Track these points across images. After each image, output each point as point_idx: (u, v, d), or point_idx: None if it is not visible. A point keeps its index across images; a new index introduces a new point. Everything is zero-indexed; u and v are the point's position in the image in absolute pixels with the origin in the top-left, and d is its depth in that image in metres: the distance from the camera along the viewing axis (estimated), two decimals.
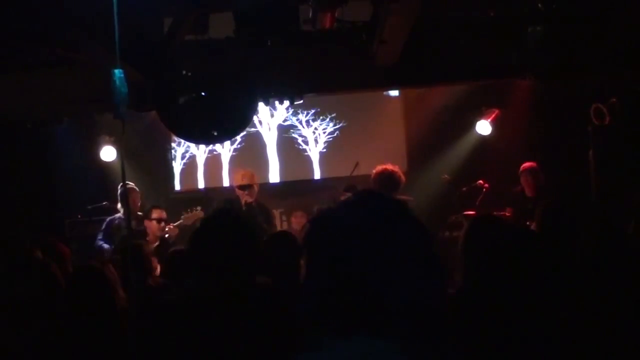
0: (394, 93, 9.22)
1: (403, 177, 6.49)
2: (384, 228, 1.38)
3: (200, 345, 2.32)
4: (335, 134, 9.36)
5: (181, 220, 7.39)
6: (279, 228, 8.46)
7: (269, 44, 5.77)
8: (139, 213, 7.32)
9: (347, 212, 1.44)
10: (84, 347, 3.06)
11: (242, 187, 7.06)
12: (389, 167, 6.45)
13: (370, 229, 1.38)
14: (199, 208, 7.56)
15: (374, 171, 6.47)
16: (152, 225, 6.89)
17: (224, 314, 2.37)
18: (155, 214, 7.00)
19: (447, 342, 1.39)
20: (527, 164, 7.27)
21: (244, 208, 7.04)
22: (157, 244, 6.81)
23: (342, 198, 6.51)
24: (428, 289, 1.37)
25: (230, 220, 2.68)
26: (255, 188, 7.19)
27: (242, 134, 7.79)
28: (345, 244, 1.37)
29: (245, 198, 7.06)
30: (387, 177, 6.33)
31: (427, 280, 1.37)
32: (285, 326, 2.30)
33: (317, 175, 9.35)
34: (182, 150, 9.37)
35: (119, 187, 7.16)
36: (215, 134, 6.38)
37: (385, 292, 1.34)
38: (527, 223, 6.71)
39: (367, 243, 1.36)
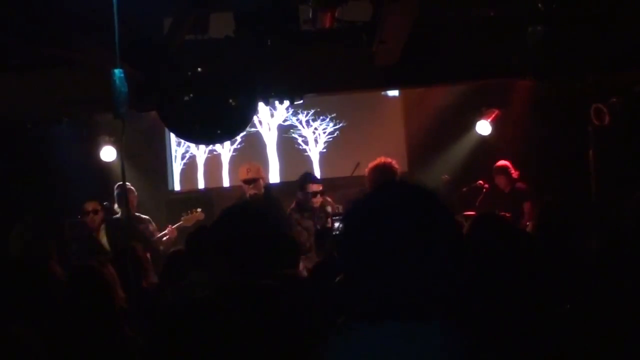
0: (392, 93, 9.20)
1: (398, 168, 6.46)
2: (411, 214, 1.42)
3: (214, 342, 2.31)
4: (335, 134, 9.36)
5: (181, 222, 7.37)
6: None
7: (269, 44, 5.77)
8: (136, 213, 7.31)
9: (376, 200, 1.47)
10: (81, 347, 3.05)
11: (247, 182, 6.85)
12: (381, 160, 6.42)
13: (398, 215, 1.42)
14: (199, 209, 7.51)
15: (367, 169, 6.47)
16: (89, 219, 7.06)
17: (241, 309, 2.36)
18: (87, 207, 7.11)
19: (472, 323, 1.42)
20: (499, 163, 7.41)
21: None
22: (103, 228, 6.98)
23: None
24: (456, 271, 1.40)
25: (245, 215, 2.65)
26: (262, 182, 6.93)
27: (242, 134, 7.78)
28: (374, 231, 1.41)
29: (250, 192, 6.83)
30: (379, 171, 6.31)
31: (454, 264, 1.40)
32: (299, 321, 2.29)
33: (317, 175, 9.32)
34: (182, 151, 9.36)
35: (115, 187, 7.18)
36: (215, 134, 6.37)
37: (414, 276, 1.36)
38: (527, 224, 6.74)
39: (395, 230, 1.40)
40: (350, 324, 1.41)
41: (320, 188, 6.73)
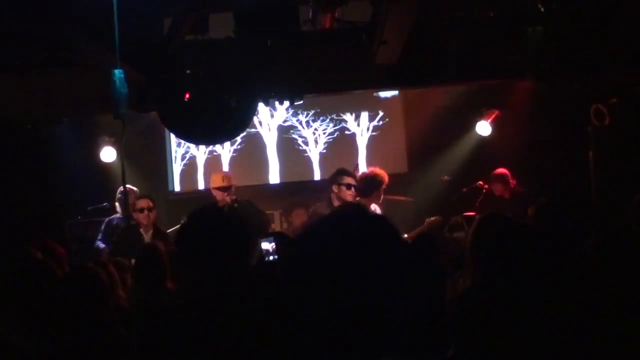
0: (384, 94, 9.14)
1: (381, 176, 6.44)
2: (364, 248, 1.40)
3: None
4: (335, 135, 9.36)
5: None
6: (278, 229, 8.45)
7: (269, 44, 5.77)
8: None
9: (323, 236, 1.45)
10: (73, 347, 3.04)
11: (223, 189, 6.95)
12: (368, 171, 6.49)
13: (350, 249, 1.40)
14: None
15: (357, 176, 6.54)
16: (140, 217, 6.81)
17: (214, 318, 2.29)
18: (140, 204, 6.88)
19: (443, 348, 1.40)
20: (498, 170, 7.44)
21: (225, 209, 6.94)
22: (151, 232, 6.80)
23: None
24: (419, 299, 1.38)
25: (214, 218, 2.58)
26: (233, 189, 7.07)
27: (242, 135, 7.78)
28: (327, 266, 1.39)
29: (225, 199, 6.95)
30: (363, 180, 6.42)
31: (414, 293, 1.38)
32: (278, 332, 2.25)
33: (317, 176, 9.33)
34: (182, 151, 9.36)
35: (119, 191, 7.15)
36: (215, 134, 6.38)
37: (376, 309, 1.34)
38: None
39: (351, 263, 1.37)
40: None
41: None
